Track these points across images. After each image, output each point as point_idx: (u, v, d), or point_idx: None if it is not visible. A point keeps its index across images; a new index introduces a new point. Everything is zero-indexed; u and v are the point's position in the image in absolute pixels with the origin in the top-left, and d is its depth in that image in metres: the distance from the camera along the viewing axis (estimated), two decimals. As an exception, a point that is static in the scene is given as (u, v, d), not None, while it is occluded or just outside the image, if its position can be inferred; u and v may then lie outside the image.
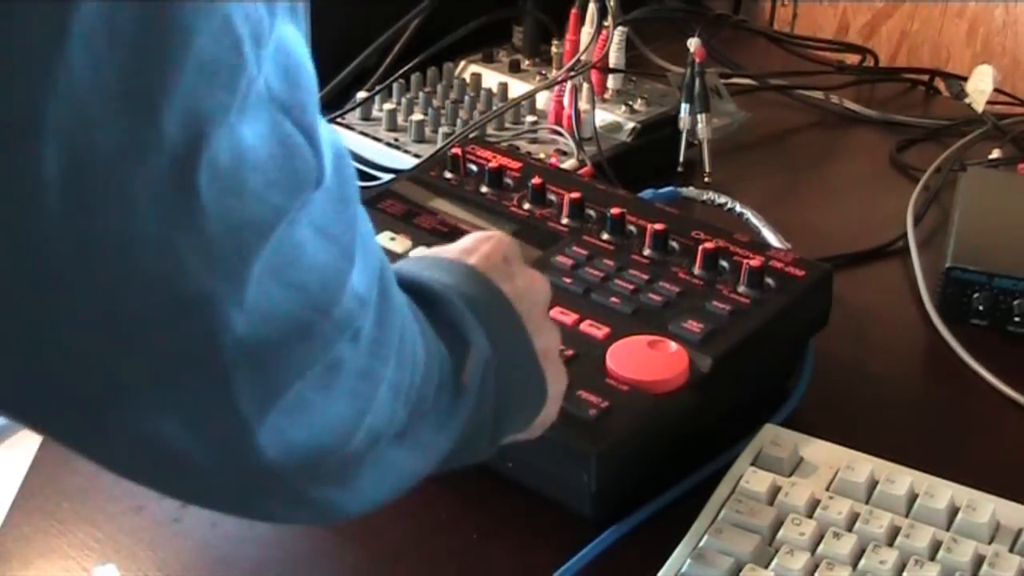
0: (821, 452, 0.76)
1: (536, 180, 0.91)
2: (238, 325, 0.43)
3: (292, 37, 0.45)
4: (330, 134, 0.48)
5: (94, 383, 0.43)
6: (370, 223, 0.51)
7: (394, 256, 0.84)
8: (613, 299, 0.80)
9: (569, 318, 0.79)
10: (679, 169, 1.11)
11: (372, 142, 1.09)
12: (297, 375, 0.46)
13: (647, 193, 1.01)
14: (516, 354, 0.63)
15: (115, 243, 0.40)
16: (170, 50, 0.40)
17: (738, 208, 1.02)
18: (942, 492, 0.72)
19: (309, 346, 0.46)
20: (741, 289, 0.81)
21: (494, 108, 1.11)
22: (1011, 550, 0.70)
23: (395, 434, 0.54)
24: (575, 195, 0.89)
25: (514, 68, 1.19)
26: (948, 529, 0.71)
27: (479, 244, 0.66)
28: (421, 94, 1.13)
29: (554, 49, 1.20)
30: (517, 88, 1.15)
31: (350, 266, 0.48)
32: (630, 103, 1.13)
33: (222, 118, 0.41)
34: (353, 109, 1.12)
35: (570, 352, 0.75)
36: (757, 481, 0.73)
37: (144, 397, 0.44)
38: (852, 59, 1.35)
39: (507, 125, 1.11)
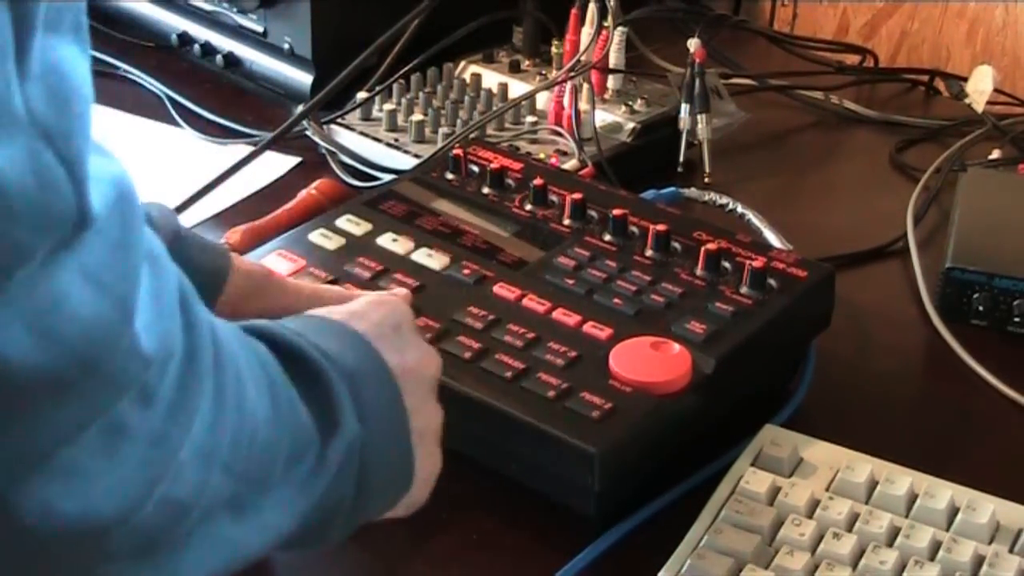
0: (821, 452, 0.76)
1: (538, 181, 0.91)
2: None
3: (71, 59, 0.42)
4: (112, 169, 0.44)
5: None
6: (174, 276, 0.48)
7: (396, 257, 0.84)
8: (616, 300, 0.81)
9: (572, 319, 0.79)
10: (679, 169, 1.11)
11: (372, 142, 1.09)
12: (61, 437, 0.42)
13: (649, 194, 1.01)
14: (388, 433, 0.60)
15: None
16: None
17: (739, 209, 1.02)
18: (942, 492, 0.72)
19: (70, 406, 0.42)
20: (744, 290, 0.81)
21: (494, 108, 1.11)
22: (1011, 550, 0.70)
23: (228, 507, 0.50)
24: (577, 196, 0.89)
25: (514, 68, 1.19)
26: (948, 529, 0.71)
27: (371, 309, 0.63)
28: (421, 94, 1.13)
29: (554, 49, 1.20)
30: (517, 88, 1.15)
31: (125, 320, 0.43)
32: (630, 103, 1.13)
33: None
34: (353, 109, 1.12)
35: (573, 353, 0.76)
36: (757, 481, 0.73)
37: None
38: (852, 59, 1.36)
39: (507, 125, 1.11)
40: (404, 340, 0.63)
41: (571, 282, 0.82)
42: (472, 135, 1.05)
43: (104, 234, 0.42)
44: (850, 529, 0.71)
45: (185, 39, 1.27)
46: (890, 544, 0.70)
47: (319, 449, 0.55)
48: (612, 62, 1.14)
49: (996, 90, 1.23)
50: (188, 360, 0.47)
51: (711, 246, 0.83)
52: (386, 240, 0.86)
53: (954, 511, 0.72)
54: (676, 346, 0.76)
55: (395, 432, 0.60)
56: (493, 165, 0.93)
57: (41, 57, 0.40)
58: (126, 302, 0.44)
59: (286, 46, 1.20)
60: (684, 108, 1.10)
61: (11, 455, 0.42)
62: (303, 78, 1.20)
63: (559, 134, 1.10)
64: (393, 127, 1.11)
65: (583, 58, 1.10)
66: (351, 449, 0.56)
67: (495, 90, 1.15)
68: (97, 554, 0.46)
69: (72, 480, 0.43)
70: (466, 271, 0.83)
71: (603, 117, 1.11)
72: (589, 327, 0.78)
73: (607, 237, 0.87)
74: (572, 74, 1.09)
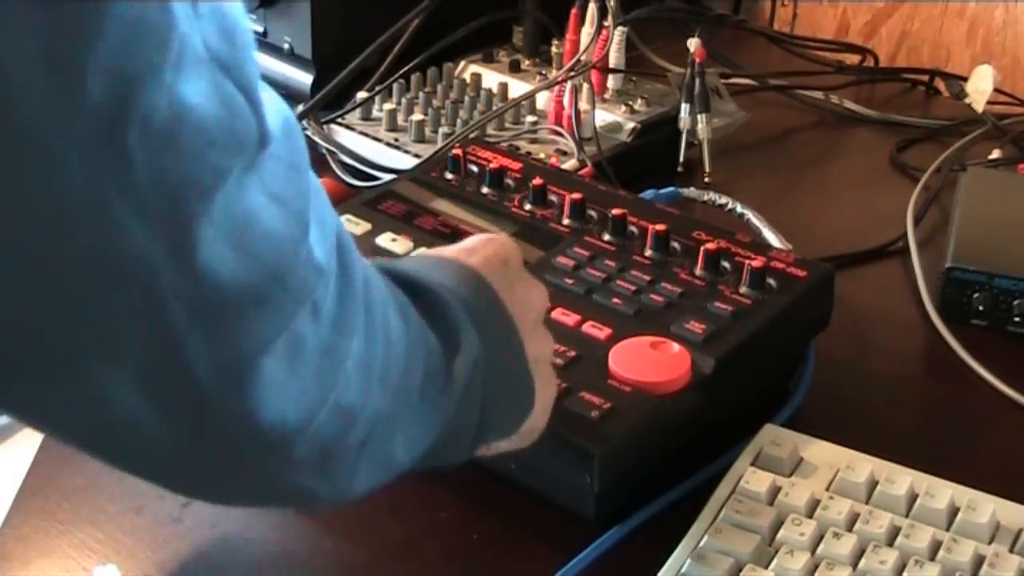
0: (821, 452, 0.76)
1: (537, 181, 0.91)
2: (187, 289, 0.43)
3: None
4: (277, 102, 0.48)
5: (40, 351, 0.43)
6: (326, 197, 0.51)
7: (395, 257, 0.84)
8: (615, 300, 0.80)
9: (571, 319, 0.79)
10: (679, 169, 1.11)
11: (372, 142, 1.09)
12: (259, 347, 0.46)
13: (648, 194, 1.01)
14: (507, 359, 0.63)
15: (49, 207, 0.40)
16: (88, 12, 0.39)
17: (739, 208, 1.02)
18: (942, 492, 0.72)
19: (267, 316, 0.46)
20: (743, 290, 0.81)
21: (494, 108, 1.11)
22: (1011, 550, 0.70)
23: (385, 420, 0.54)
24: (576, 196, 0.89)
25: (514, 68, 1.19)
26: (948, 529, 0.71)
27: (480, 246, 0.66)
28: (421, 94, 1.13)
29: (554, 49, 1.20)
30: (517, 88, 1.15)
31: (304, 234, 0.48)
32: (630, 103, 1.13)
33: (154, 77, 0.41)
34: (353, 109, 1.12)
35: (572, 353, 0.76)
36: (757, 481, 0.73)
37: (94, 364, 0.43)
38: (852, 59, 1.36)
39: (507, 125, 1.11)
40: (513, 274, 0.66)
41: (570, 282, 0.82)
42: (472, 135, 1.05)
43: (278, 156, 0.46)
44: (850, 529, 0.71)
45: (185, 39, 1.27)
46: (890, 544, 0.70)
47: (446, 368, 0.58)
48: (612, 62, 1.14)
49: (996, 90, 1.23)
50: (344, 277, 0.51)
51: (710, 246, 0.83)
52: (385, 240, 0.86)
53: (954, 511, 0.71)
54: (675, 346, 0.76)
55: (513, 356, 0.63)
56: (492, 165, 0.93)
57: None
58: (303, 217, 0.48)
59: (286, 46, 1.20)
60: (684, 108, 1.10)
61: (220, 366, 0.45)
62: (303, 78, 1.20)
63: (559, 134, 1.10)
64: (393, 127, 1.11)
65: (583, 58, 1.10)
66: (475, 367, 0.60)
67: (495, 90, 1.15)
68: (285, 462, 0.50)
69: (266, 389, 0.47)
70: (465, 271, 0.83)
71: (603, 117, 1.11)
72: (588, 327, 0.78)
73: (606, 237, 0.87)
74: (572, 74, 1.09)
